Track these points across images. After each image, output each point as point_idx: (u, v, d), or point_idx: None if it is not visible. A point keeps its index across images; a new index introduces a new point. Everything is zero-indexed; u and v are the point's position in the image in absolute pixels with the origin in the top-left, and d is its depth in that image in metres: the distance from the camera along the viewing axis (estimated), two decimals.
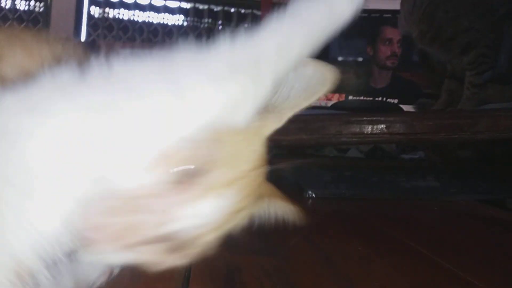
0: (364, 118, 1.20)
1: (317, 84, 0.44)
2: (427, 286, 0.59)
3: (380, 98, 2.23)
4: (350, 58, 2.42)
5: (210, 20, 3.21)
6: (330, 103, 2.13)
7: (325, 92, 0.44)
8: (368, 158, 1.74)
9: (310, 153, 1.65)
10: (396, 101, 2.20)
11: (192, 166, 0.35)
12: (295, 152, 1.49)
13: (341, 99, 2.22)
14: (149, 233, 0.35)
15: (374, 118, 1.20)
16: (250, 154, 0.40)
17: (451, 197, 1.15)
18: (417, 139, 1.29)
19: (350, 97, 2.24)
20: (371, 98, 2.25)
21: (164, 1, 3.15)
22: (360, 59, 2.41)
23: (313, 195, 1.08)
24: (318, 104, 2.08)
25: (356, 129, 1.16)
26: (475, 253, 0.73)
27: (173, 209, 0.35)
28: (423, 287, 0.58)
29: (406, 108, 1.96)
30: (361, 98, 2.26)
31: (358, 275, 0.63)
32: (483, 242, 0.79)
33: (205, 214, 0.37)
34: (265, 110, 0.43)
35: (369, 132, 1.18)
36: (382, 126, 1.18)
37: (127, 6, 3.13)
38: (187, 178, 0.36)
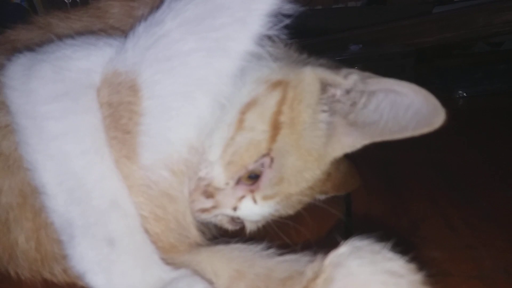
0: None
1: (421, 122, 0.39)
2: None
3: None
4: None
5: None
6: None
7: (422, 133, 0.40)
8: None
9: (457, 53, 1.53)
10: None
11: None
12: (439, 54, 1.40)
13: None
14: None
15: None
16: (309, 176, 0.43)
17: None
18: None
19: None
20: None
21: None
22: None
23: (464, 94, 1.03)
24: None
25: (508, 16, 1.05)
26: None
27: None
28: None
29: None
30: None
31: None
32: None
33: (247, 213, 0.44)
34: (342, 127, 0.43)
35: None
36: None
37: None
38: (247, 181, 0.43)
